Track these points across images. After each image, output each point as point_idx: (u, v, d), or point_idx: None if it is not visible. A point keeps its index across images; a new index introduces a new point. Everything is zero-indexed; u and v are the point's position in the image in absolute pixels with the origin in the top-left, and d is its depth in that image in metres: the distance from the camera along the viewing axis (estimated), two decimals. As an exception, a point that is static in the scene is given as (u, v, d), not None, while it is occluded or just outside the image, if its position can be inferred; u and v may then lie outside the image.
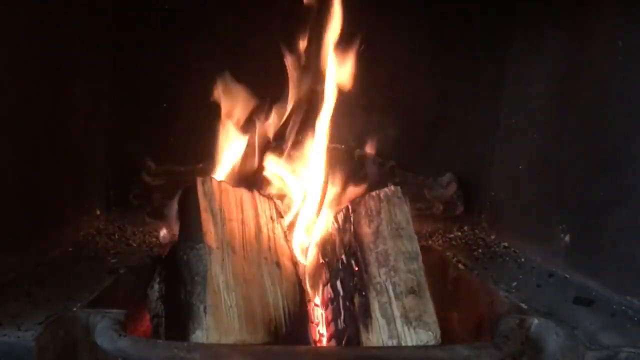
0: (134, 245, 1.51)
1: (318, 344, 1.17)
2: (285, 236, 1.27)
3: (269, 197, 1.31)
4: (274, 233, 1.23)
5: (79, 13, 1.45)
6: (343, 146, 1.68)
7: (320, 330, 1.21)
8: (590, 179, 1.28)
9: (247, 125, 1.51)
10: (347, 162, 1.49)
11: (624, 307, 1.12)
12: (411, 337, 0.99)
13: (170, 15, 1.64)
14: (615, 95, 1.23)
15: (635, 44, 1.17)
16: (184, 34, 1.63)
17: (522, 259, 1.47)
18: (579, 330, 1.01)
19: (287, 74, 1.46)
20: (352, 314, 1.07)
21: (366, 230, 1.14)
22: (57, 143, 1.37)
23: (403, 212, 1.15)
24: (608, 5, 1.27)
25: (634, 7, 1.18)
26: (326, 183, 1.45)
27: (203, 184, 1.18)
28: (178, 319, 1.02)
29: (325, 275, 1.22)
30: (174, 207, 1.25)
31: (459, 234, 1.72)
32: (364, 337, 1.02)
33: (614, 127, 1.23)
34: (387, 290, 1.04)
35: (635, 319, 1.08)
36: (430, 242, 1.63)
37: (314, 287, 1.27)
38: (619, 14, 1.23)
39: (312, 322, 1.20)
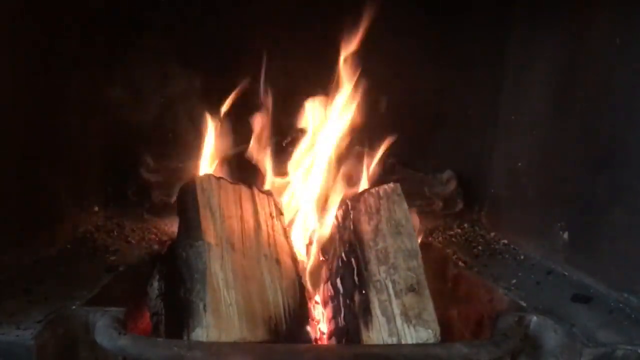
0: (133, 242, 1.50)
1: (318, 342, 1.16)
2: (285, 233, 1.26)
3: (268, 194, 1.31)
4: (273, 230, 1.22)
5: (76, 8, 1.44)
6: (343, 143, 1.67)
7: (321, 328, 1.21)
8: (588, 176, 1.28)
9: (245, 122, 1.51)
10: (346, 159, 1.48)
11: (621, 305, 1.13)
12: (411, 335, 0.99)
13: (169, 11, 1.63)
14: (613, 93, 1.23)
15: (633, 41, 1.17)
16: (183, 29, 1.62)
17: (522, 256, 1.47)
18: (577, 327, 1.02)
19: (286, 72, 1.46)
20: (352, 311, 1.07)
21: (366, 227, 1.13)
22: (54, 139, 1.36)
23: (402, 210, 1.15)
24: (606, 3, 1.27)
25: (632, 5, 1.18)
26: (325, 180, 1.45)
27: (202, 180, 1.17)
28: (178, 317, 1.02)
29: (325, 273, 1.22)
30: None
31: (459, 231, 1.71)
32: (364, 335, 1.02)
33: (612, 124, 1.23)
34: (387, 288, 1.04)
35: (633, 316, 1.09)
36: (430, 239, 1.62)
37: (314, 284, 1.27)
38: (617, 12, 1.23)
39: (312, 320, 1.20)
